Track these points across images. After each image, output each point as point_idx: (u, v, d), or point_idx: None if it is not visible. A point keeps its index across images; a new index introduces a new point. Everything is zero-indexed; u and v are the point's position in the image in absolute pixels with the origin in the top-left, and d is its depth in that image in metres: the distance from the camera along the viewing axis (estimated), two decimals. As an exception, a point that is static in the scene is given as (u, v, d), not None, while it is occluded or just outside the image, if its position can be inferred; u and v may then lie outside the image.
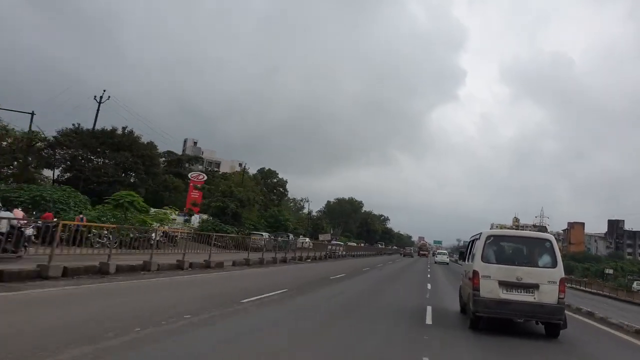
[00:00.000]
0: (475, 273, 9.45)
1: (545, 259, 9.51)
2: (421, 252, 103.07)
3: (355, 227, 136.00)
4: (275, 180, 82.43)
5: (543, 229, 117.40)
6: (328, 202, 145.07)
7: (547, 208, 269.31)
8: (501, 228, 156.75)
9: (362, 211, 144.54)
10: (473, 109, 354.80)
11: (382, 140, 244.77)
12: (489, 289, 9.23)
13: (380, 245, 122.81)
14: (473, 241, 11.39)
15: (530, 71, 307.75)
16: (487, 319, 9.52)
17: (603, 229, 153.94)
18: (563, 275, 9.34)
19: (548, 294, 9.08)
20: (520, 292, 9.19)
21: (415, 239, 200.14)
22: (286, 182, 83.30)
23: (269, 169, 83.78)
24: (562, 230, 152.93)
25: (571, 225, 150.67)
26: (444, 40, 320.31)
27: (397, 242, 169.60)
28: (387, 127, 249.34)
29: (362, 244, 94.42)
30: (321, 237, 71.11)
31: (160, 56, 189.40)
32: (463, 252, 13.32)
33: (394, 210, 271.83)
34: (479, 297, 9.25)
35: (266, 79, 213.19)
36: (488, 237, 9.88)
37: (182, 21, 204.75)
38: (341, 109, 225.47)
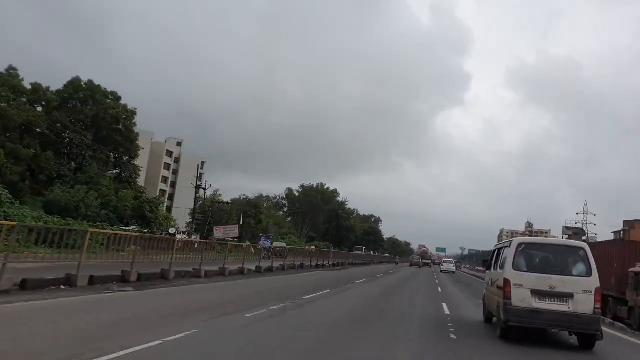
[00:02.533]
0: (506, 281, 9.24)
1: (580, 267, 9.27)
2: (423, 260, 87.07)
3: (322, 223, 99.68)
4: (109, 108, 45.98)
5: (579, 232, 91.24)
6: (289, 190, 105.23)
7: (553, 214, 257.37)
8: (513, 235, 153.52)
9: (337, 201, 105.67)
10: (478, 113, 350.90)
11: (384, 144, 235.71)
12: (521, 298, 9.02)
13: (370, 252, 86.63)
14: (500, 249, 11.20)
15: (537, 75, 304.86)
16: (517, 330, 9.28)
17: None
18: (598, 284, 9.08)
19: (583, 304, 8.84)
20: (554, 301, 8.95)
21: (415, 247, 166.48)
22: (134, 112, 49.17)
23: (90, 82, 46.42)
24: (613, 232, 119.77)
25: (630, 224, 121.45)
26: (448, 43, 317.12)
27: (392, 250, 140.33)
28: (389, 131, 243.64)
29: (311, 247, 55.54)
30: (218, 231, 41.93)
31: (154, 56, 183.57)
32: (486, 260, 13.09)
33: (395, 218, 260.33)
34: (511, 306, 9.03)
35: (265, 80, 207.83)
36: (519, 245, 9.67)
37: (178, 20, 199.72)
38: (342, 112, 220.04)
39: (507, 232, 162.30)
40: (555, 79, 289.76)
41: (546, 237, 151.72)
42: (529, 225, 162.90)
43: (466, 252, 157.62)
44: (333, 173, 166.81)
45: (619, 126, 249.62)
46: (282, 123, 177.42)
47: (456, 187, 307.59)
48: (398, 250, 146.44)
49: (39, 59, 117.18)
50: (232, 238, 38.53)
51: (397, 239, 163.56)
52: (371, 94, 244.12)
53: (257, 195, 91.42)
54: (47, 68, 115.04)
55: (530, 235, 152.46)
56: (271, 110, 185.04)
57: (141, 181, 61.01)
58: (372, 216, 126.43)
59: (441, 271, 58.48)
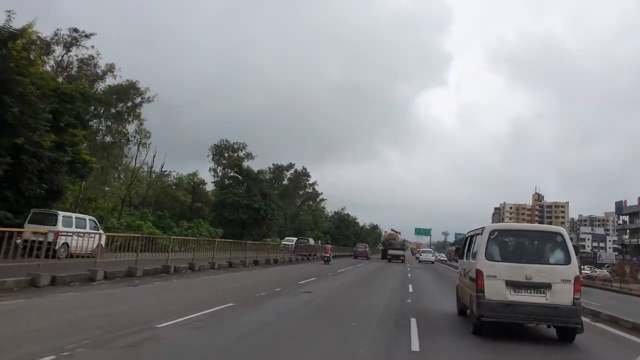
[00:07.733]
0: (478, 273, 8.54)
1: (557, 255, 8.57)
2: (392, 251, 53.00)
3: None
4: None
5: None
6: None
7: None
8: (518, 209, 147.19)
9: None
10: (460, 96, 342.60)
11: (364, 130, 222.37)
12: (495, 290, 8.34)
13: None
14: (472, 237, 10.46)
15: (519, 52, 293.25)
16: (492, 323, 8.58)
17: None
18: (578, 272, 8.37)
19: (562, 295, 8.17)
20: (531, 292, 8.28)
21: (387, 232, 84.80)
22: None
23: None
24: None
25: None
26: (428, 22, 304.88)
27: (337, 232, 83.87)
28: (368, 116, 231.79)
29: None
30: None
31: (111, 33, 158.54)
32: (459, 248, 12.34)
33: (379, 208, 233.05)
34: (484, 299, 8.35)
35: (239, 62, 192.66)
36: (492, 232, 8.93)
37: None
38: (321, 94, 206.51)
39: (511, 206, 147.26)
40: (538, 56, 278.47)
41: (563, 211, 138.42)
42: (539, 197, 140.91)
43: (451, 238, 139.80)
44: (310, 161, 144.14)
45: (611, 103, 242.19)
46: (256, 107, 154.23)
47: (439, 171, 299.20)
48: (346, 234, 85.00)
49: None
50: None
51: (347, 214, 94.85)
52: (350, 75, 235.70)
53: None
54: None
55: (541, 209, 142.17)
56: (245, 94, 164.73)
57: None
58: (290, 165, 71.80)
59: (420, 262, 54.41)
